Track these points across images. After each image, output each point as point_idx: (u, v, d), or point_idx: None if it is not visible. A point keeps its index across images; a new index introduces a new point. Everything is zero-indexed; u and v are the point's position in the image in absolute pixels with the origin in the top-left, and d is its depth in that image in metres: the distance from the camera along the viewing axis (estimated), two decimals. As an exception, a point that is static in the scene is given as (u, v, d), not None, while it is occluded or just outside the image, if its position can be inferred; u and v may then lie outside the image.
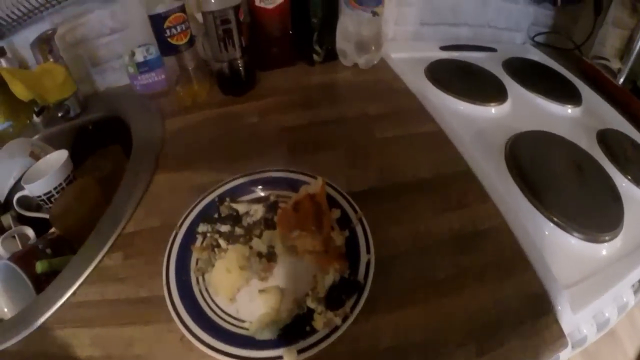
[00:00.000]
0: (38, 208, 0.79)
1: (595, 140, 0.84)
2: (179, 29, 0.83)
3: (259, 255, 0.56)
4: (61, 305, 0.55)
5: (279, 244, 0.56)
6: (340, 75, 1.02)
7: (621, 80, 1.01)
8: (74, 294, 0.56)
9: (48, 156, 0.80)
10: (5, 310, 0.66)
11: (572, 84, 1.04)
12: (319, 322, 0.48)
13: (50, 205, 0.75)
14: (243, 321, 0.51)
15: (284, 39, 1.00)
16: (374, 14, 0.91)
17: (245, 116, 0.88)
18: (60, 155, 0.79)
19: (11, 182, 0.77)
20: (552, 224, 0.63)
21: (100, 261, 0.60)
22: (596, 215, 0.66)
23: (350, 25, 0.96)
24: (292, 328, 0.49)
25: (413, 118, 0.85)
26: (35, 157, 0.80)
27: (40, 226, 0.78)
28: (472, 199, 0.67)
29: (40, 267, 0.66)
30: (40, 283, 0.65)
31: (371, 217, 0.59)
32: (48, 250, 0.71)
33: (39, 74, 0.86)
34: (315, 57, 1.03)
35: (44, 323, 0.53)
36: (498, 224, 0.63)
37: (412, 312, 0.51)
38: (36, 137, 0.93)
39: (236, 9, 0.82)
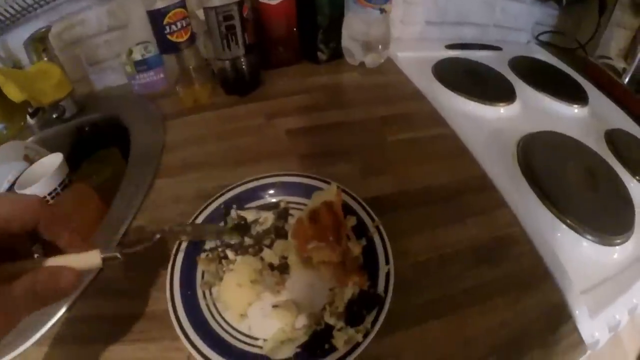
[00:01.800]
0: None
1: (603, 140, 0.84)
2: (179, 25, 0.79)
3: (271, 267, 0.53)
4: (57, 320, 0.51)
5: (293, 255, 0.53)
6: (347, 74, 1.00)
7: (626, 80, 1.01)
8: (70, 307, 0.52)
9: (43, 159, 0.76)
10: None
11: (577, 83, 1.04)
12: (339, 339, 0.45)
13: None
14: (256, 339, 0.47)
15: (289, 37, 0.97)
16: (382, 11, 0.89)
17: (249, 118, 0.85)
18: (55, 159, 0.75)
19: (4, 187, 0.73)
20: (565, 227, 0.62)
21: (98, 273, 0.55)
22: (608, 218, 0.65)
23: (357, 23, 0.93)
24: (310, 346, 0.46)
25: (424, 119, 0.83)
26: (30, 160, 0.77)
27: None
28: (489, 205, 0.65)
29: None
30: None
31: (387, 225, 0.56)
32: (42, 258, 0.67)
33: (32, 74, 0.82)
34: (320, 55, 1.00)
35: (39, 339, 0.49)
36: (515, 231, 0.61)
37: (433, 326, 0.49)
38: (30, 139, 0.89)
39: (240, 4, 0.79)
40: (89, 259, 0.38)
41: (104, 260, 0.39)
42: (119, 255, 0.42)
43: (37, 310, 0.33)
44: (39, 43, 0.83)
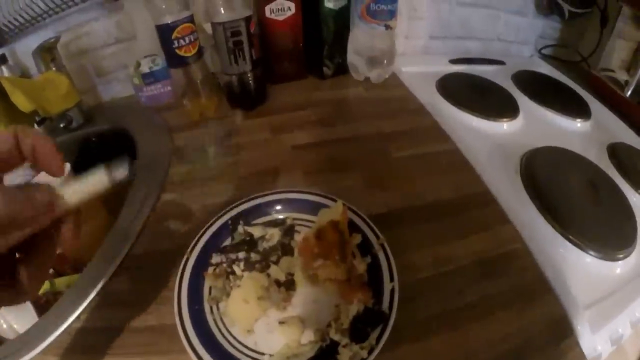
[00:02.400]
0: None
1: (606, 154, 0.84)
2: (187, 40, 0.80)
3: (278, 283, 0.54)
4: (64, 331, 0.51)
5: (299, 272, 0.53)
6: (352, 90, 1.01)
7: (629, 92, 1.01)
8: (77, 318, 0.53)
9: (49, 169, 0.77)
10: (7, 327, 0.63)
11: (580, 97, 1.04)
12: (344, 356, 0.45)
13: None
14: (262, 354, 0.48)
15: (295, 52, 0.98)
16: (388, 27, 0.90)
17: (255, 132, 0.85)
18: (62, 169, 0.75)
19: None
20: (568, 243, 0.62)
21: (105, 284, 0.56)
22: (611, 233, 0.65)
23: (362, 38, 0.94)
24: (316, 362, 0.47)
25: (428, 135, 0.84)
26: (36, 169, 0.77)
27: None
28: (492, 221, 0.65)
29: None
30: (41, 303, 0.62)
31: (392, 242, 0.56)
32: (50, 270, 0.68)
33: (41, 84, 0.83)
34: (326, 70, 1.01)
35: (45, 349, 0.50)
36: (518, 246, 0.61)
37: (436, 341, 0.49)
38: (37, 148, 0.89)
39: (247, 20, 0.80)
40: (96, 181, 0.33)
41: (111, 178, 0.33)
42: (127, 173, 0.34)
43: (12, 238, 0.28)
44: (47, 53, 0.84)
